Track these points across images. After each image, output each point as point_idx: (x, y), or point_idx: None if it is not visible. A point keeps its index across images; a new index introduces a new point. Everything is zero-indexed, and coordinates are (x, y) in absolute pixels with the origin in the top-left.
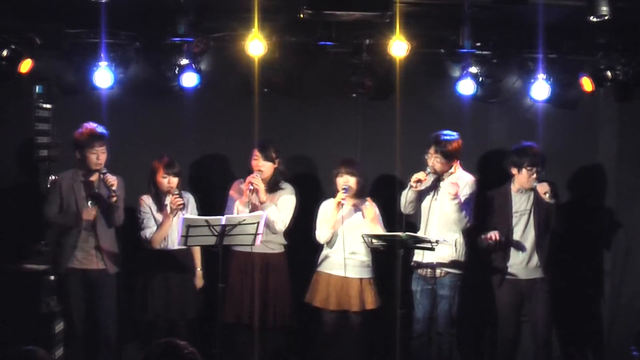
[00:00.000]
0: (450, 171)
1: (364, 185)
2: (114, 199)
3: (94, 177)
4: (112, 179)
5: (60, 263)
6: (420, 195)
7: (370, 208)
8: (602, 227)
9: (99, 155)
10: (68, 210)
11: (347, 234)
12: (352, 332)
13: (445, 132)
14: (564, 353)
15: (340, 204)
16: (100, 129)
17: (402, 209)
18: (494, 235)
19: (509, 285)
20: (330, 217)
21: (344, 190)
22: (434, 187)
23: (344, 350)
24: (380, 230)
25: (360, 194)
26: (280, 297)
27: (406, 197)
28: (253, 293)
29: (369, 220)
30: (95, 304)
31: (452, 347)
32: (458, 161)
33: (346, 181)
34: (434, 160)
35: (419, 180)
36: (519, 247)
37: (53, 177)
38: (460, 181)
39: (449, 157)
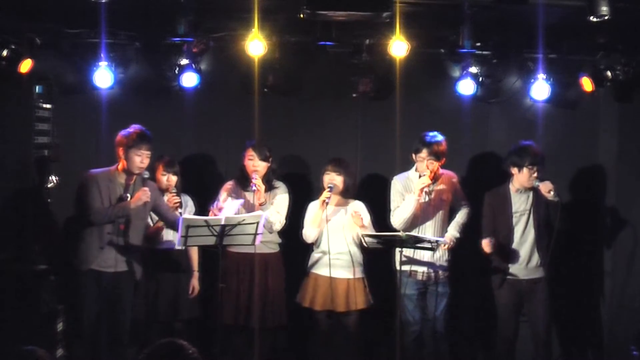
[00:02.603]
0: (442, 174)
1: (350, 185)
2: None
3: (132, 180)
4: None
5: (80, 259)
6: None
7: (361, 215)
8: (603, 227)
9: (143, 159)
10: (115, 204)
11: (332, 234)
12: (347, 332)
13: (430, 133)
14: (563, 353)
15: (324, 203)
16: (148, 132)
17: (401, 226)
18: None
19: (509, 286)
20: (315, 216)
21: (328, 189)
22: (426, 192)
23: (340, 350)
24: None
25: (345, 194)
26: (276, 297)
27: (413, 210)
28: (251, 293)
29: (365, 225)
30: (109, 307)
31: (450, 347)
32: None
33: (332, 179)
34: (427, 163)
35: (425, 185)
36: (515, 255)
37: (55, 178)
38: (452, 180)
39: (441, 157)
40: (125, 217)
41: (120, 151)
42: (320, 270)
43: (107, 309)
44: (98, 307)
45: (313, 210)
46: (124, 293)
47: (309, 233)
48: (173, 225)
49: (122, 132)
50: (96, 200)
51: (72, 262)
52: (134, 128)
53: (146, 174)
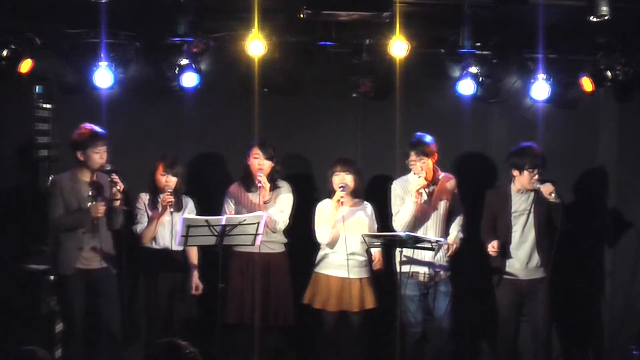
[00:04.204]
0: (441, 176)
1: (360, 183)
2: (117, 203)
3: (96, 176)
4: (120, 183)
5: (63, 264)
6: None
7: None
8: (603, 227)
9: (101, 155)
10: (72, 212)
11: (349, 234)
12: (352, 332)
13: (419, 134)
14: (564, 353)
15: (339, 202)
16: (99, 128)
17: (403, 229)
18: (492, 249)
19: (509, 286)
20: (330, 217)
21: (341, 189)
22: (427, 194)
23: (344, 350)
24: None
25: (357, 193)
26: (282, 297)
27: (412, 212)
28: (255, 293)
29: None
30: (98, 304)
31: (452, 347)
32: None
33: (342, 179)
34: (420, 164)
35: (421, 186)
36: (517, 250)
37: (51, 178)
38: (451, 182)
39: (431, 155)
40: (84, 224)
41: (79, 153)
42: (332, 270)
43: (96, 306)
44: (87, 306)
45: (325, 210)
46: (109, 288)
47: (323, 234)
48: (111, 225)
49: (75, 134)
50: (58, 207)
51: (56, 268)
52: (84, 128)
53: (108, 166)
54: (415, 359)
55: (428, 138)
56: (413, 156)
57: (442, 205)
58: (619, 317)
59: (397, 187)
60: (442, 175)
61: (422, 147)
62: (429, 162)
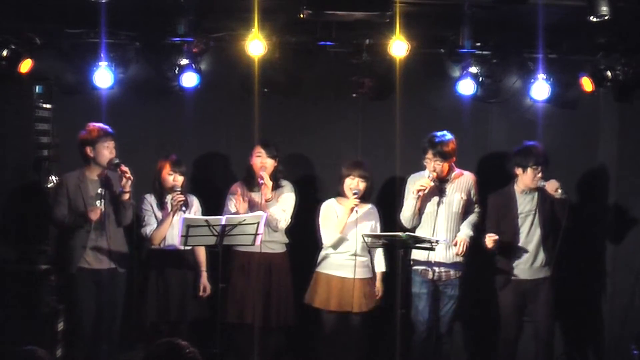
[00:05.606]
0: (454, 173)
1: (371, 190)
2: (127, 196)
3: (105, 173)
4: (129, 173)
5: (69, 263)
6: (422, 203)
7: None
8: (603, 227)
9: (111, 150)
10: (76, 211)
11: (358, 236)
12: (353, 333)
13: (439, 133)
14: (564, 352)
15: (353, 210)
16: (109, 127)
17: (405, 224)
18: (491, 243)
19: (512, 286)
20: (340, 221)
21: (355, 195)
22: (438, 191)
23: (345, 350)
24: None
25: (367, 197)
26: (283, 297)
27: (413, 209)
28: (256, 293)
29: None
30: (104, 303)
31: (452, 347)
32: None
33: (357, 185)
34: (434, 164)
35: (423, 188)
36: (520, 254)
37: (55, 178)
38: (469, 180)
39: (448, 157)
40: (83, 226)
41: (88, 149)
42: (333, 270)
43: (99, 305)
44: (96, 306)
45: (331, 212)
46: (114, 289)
47: (329, 236)
48: (120, 221)
49: (83, 132)
50: (60, 205)
51: (60, 266)
52: (92, 125)
53: (116, 160)
54: (420, 358)
55: (448, 137)
56: (429, 154)
57: (456, 202)
58: (619, 317)
59: (410, 182)
60: (455, 172)
61: (439, 149)
62: (443, 165)
